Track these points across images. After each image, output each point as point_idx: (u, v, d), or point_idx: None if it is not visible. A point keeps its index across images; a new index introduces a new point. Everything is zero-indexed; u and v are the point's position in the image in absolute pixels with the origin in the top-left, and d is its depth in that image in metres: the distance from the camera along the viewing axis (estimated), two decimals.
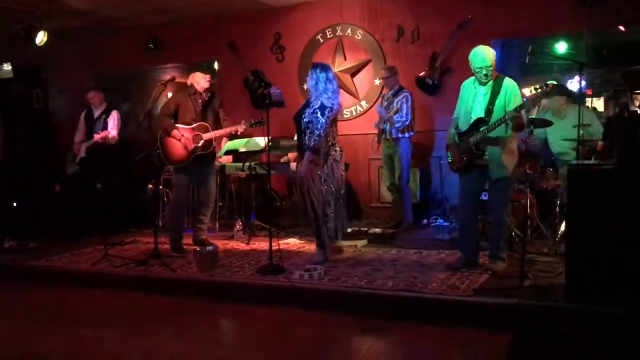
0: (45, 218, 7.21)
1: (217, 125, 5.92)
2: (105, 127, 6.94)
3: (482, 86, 4.61)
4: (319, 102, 5.08)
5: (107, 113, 7.01)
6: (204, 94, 5.86)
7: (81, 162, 7.08)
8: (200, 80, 5.82)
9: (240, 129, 5.85)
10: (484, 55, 4.52)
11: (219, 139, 6.68)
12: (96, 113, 7.06)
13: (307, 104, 5.21)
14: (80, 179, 7.22)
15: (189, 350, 3.82)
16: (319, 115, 5.02)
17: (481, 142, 4.56)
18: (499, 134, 4.51)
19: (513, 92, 4.51)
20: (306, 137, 5.07)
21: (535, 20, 6.43)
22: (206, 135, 5.76)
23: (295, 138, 5.37)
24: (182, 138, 5.70)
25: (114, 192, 7.10)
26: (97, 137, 6.77)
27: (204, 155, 5.80)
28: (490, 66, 4.51)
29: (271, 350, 3.83)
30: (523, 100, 4.46)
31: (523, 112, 4.42)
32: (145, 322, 4.45)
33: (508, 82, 4.55)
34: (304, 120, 5.09)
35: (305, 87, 4.99)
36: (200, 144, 5.73)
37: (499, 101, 4.51)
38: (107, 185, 7.02)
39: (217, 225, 7.12)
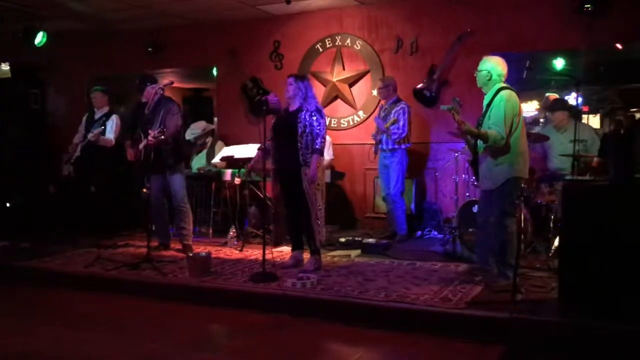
0: (38, 219, 7.19)
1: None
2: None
3: (486, 97, 4.63)
4: (314, 106, 5.17)
5: (107, 116, 6.98)
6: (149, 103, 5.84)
7: (75, 161, 7.05)
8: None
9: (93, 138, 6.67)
10: (480, 62, 4.63)
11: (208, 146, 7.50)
12: (97, 115, 7.05)
13: (293, 112, 5.18)
14: (75, 181, 7.19)
15: (175, 354, 3.80)
16: (318, 117, 5.13)
17: (475, 154, 4.64)
18: (480, 146, 4.56)
19: (496, 107, 4.45)
20: (303, 141, 5.09)
21: (534, 36, 6.47)
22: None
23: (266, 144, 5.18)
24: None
25: (107, 195, 7.07)
26: (90, 135, 6.76)
27: (150, 163, 5.75)
28: (477, 72, 4.59)
29: (260, 357, 3.80)
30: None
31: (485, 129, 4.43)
32: (134, 326, 4.42)
33: (499, 96, 4.47)
34: (300, 125, 5.08)
35: (289, 95, 5.03)
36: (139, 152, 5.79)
37: (488, 114, 4.52)
38: (100, 188, 7.00)
39: (211, 231, 7.10)
